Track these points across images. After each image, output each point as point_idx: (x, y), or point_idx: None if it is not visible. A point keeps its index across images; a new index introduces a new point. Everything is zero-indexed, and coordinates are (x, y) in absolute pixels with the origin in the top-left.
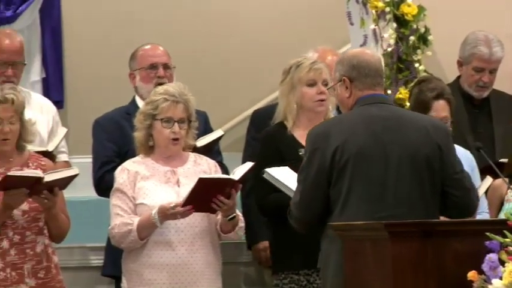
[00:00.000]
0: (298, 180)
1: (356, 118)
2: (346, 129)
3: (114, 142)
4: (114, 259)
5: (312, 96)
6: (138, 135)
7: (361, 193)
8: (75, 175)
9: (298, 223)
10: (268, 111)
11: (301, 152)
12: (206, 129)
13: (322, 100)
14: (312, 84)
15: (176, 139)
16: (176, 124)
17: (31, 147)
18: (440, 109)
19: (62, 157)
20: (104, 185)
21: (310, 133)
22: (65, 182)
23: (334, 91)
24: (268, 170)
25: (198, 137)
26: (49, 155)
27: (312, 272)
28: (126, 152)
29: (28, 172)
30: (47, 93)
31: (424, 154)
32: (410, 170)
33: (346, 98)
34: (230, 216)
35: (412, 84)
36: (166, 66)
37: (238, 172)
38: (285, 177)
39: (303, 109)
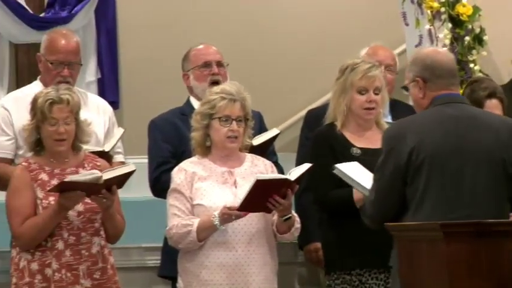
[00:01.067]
0: (374, 180)
1: (431, 118)
2: (421, 129)
3: (170, 143)
4: (170, 260)
5: (362, 103)
6: (196, 135)
7: (437, 193)
8: (132, 171)
9: (372, 221)
10: (321, 111)
11: (353, 151)
12: (261, 128)
13: (371, 108)
14: (363, 91)
15: (234, 137)
16: (234, 122)
17: (87, 148)
18: (493, 108)
19: (118, 158)
20: (160, 185)
21: (385, 133)
22: (123, 179)
23: (408, 91)
24: (338, 165)
25: (253, 137)
26: (105, 156)
27: (364, 272)
28: (181, 153)
29: (84, 177)
30: (102, 93)
31: (499, 155)
32: (486, 171)
33: (421, 99)
34: (286, 217)
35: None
36: (219, 64)
37: (294, 173)
38: (356, 173)
39: (352, 114)
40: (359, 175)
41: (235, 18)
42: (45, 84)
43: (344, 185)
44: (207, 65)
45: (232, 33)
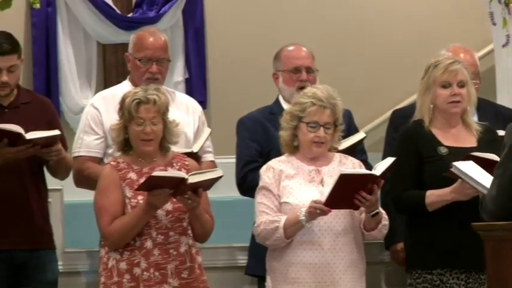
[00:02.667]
0: (496, 175)
1: None
2: None
3: (257, 142)
4: (257, 258)
5: (446, 97)
6: (284, 134)
7: None
8: (219, 177)
9: (492, 217)
10: (407, 111)
11: (440, 150)
12: (350, 126)
13: (456, 102)
14: (446, 85)
15: (320, 143)
16: (322, 128)
17: (176, 149)
18: None
19: (208, 157)
20: (246, 184)
21: (509, 127)
22: (209, 183)
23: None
24: (456, 164)
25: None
26: (194, 156)
27: (445, 272)
28: (268, 152)
29: (172, 173)
30: (189, 93)
31: None
32: None
33: None
34: (373, 212)
35: None
36: (309, 70)
37: (379, 167)
38: (473, 171)
39: (438, 109)
40: (477, 173)
41: (325, 17)
42: (135, 83)
43: (425, 186)
44: (296, 70)
45: (322, 33)
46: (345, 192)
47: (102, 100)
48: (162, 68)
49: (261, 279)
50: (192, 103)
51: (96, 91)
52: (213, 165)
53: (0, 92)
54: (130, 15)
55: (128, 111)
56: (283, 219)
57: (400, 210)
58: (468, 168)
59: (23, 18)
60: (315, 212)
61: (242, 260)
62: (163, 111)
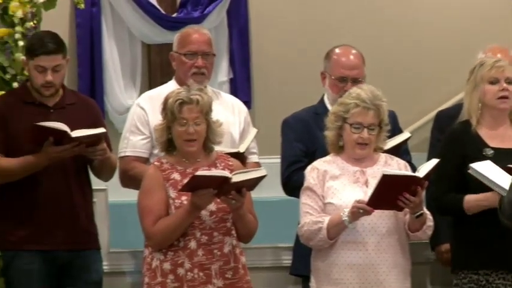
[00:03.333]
0: None
1: None
2: None
3: (302, 142)
4: (301, 258)
5: (494, 93)
6: (329, 134)
7: None
8: (263, 176)
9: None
10: (452, 111)
11: (486, 151)
12: (395, 128)
13: (504, 97)
14: (494, 81)
15: (364, 144)
16: (365, 130)
17: (222, 149)
18: None
19: (253, 158)
20: (291, 184)
21: None
22: (253, 183)
23: None
24: (473, 165)
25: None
26: (240, 157)
27: (491, 272)
28: (313, 152)
29: (215, 172)
30: (234, 93)
31: None
32: None
33: None
34: (417, 213)
35: None
36: (355, 81)
37: (423, 169)
38: (492, 172)
39: (487, 107)
40: (495, 175)
41: (369, 18)
42: (180, 82)
43: (470, 188)
44: (343, 80)
45: (367, 33)
46: (388, 193)
47: (148, 100)
48: (208, 62)
49: (306, 279)
50: (238, 104)
51: (141, 91)
52: (257, 166)
53: (45, 91)
54: (174, 15)
55: (170, 111)
56: (326, 220)
57: (440, 211)
58: (485, 169)
59: (67, 19)
60: (358, 212)
61: (287, 260)
62: (206, 111)
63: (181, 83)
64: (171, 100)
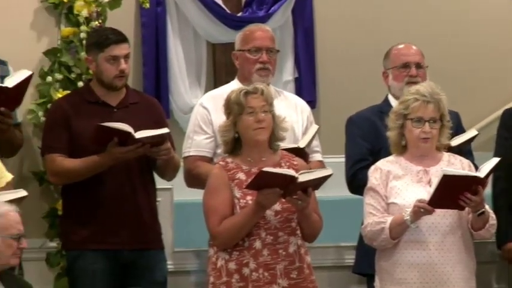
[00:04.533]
0: None
1: None
2: None
3: (367, 140)
4: (365, 257)
5: None
6: (391, 134)
7: None
8: (329, 175)
9: None
10: None
11: None
12: (458, 129)
13: None
14: None
15: (426, 138)
16: (427, 124)
17: (283, 144)
18: None
19: (316, 156)
20: (356, 183)
21: None
22: (319, 182)
23: None
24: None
25: (451, 137)
26: (301, 153)
27: None
28: (379, 151)
29: (282, 170)
30: (299, 93)
31: None
32: None
33: None
34: (479, 212)
35: None
36: (418, 66)
37: (484, 169)
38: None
39: None
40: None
41: (433, 18)
42: (243, 81)
43: None
44: (405, 65)
45: (431, 33)
46: (449, 193)
47: (211, 99)
48: (272, 58)
49: (370, 278)
50: (301, 103)
51: (206, 91)
52: (321, 165)
53: (118, 82)
54: (239, 14)
55: (237, 103)
56: (389, 220)
57: None
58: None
59: (132, 18)
60: (419, 211)
61: (350, 259)
62: (271, 102)
63: (244, 80)
64: (234, 94)
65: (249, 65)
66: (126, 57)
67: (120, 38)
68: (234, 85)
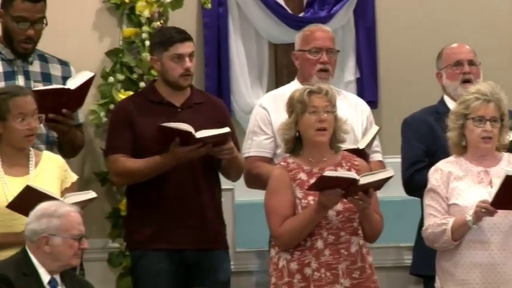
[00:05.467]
0: None
1: None
2: None
3: (423, 142)
4: (423, 258)
5: None
6: (451, 135)
7: None
8: (390, 177)
9: None
10: None
11: None
12: None
13: None
14: None
15: (488, 138)
16: (488, 123)
17: (343, 145)
18: None
19: (376, 156)
20: (413, 185)
21: None
22: (380, 183)
23: None
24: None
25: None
26: (361, 153)
27: None
28: (435, 152)
29: (343, 173)
30: (361, 93)
31: None
32: None
33: None
34: None
35: None
36: (471, 63)
37: None
38: None
39: None
40: None
41: (494, 18)
42: (303, 81)
43: None
44: (458, 63)
45: (488, 34)
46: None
47: (271, 100)
48: (332, 59)
49: (427, 279)
50: (361, 103)
51: (267, 91)
52: (381, 165)
53: (183, 81)
54: (301, 14)
55: (300, 101)
56: (450, 221)
57: None
58: None
59: (194, 19)
60: (481, 212)
61: (408, 259)
62: (334, 103)
63: (304, 81)
64: (298, 93)
65: (309, 65)
66: (191, 55)
67: (185, 37)
68: (294, 86)
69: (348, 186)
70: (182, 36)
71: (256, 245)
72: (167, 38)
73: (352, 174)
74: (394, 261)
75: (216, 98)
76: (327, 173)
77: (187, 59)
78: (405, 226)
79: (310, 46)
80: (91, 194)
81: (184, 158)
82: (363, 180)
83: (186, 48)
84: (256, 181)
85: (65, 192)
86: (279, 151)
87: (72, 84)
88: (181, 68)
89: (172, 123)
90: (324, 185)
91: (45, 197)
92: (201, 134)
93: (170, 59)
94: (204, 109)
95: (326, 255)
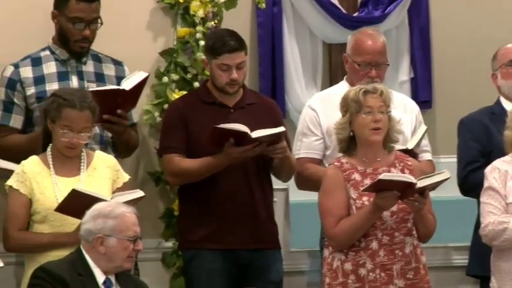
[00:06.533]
0: None
1: None
2: None
3: (478, 142)
4: (479, 258)
5: None
6: (509, 133)
7: None
8: (446, 178)
9: None
10: None
11: None
12: None
13: None
14: None
15: None
16: None
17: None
18: None
19: (425, 156)
20: (468, 185)
21: None
22: (436, 185)
23: None
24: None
25: None
26: (410, 154)
27: None
28: (490, 152)
29: (401, 176)
30: (414, 93)
31: None
32: None
33: None
34: None
35: None
36: None
37: None
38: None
39: None
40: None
41: None
42: (352, 84)
43: None
44: None
45: None
46: None
47: (320, 101)
48: (381, 72)
49: (483, 280)
50: (409, 102)
51: (322, 91)
52: (430, 164)
53: (230, 89)
54: (355, 14)
55: (355, 101)
56: (511, 220)
57: None
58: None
59: (248, 18)
60: None
61: (461, 260)
62: (388, 103)
63: (352, 84)
64: (353, 92)
65: (357, 77)
66: (240, 65)
67: (235, 47)
68: (343, 86)
69: (404, 189)
70: (233, 46)
71: (308, 245)
72: (218, 45)
73: (410, 178)
74: (445, 261)
75: (268, 98)
76: (384, 176)
77: (234, 70)
78: (458, 226)
79: (359, 60)
80: (138, 193)
81: (239, 159)
82: (420, 183)
83: (234, 59)
84: (306, 183)
85: (116, 192)
86: (328, 152)
87: (127, 84)
88: (227, 78)
89: (227, 124)
90: (380, 187)
91: (93, 199)
92: (256, 133)
93: (218, 67)
94: (257, 110)
95: (381, 256)
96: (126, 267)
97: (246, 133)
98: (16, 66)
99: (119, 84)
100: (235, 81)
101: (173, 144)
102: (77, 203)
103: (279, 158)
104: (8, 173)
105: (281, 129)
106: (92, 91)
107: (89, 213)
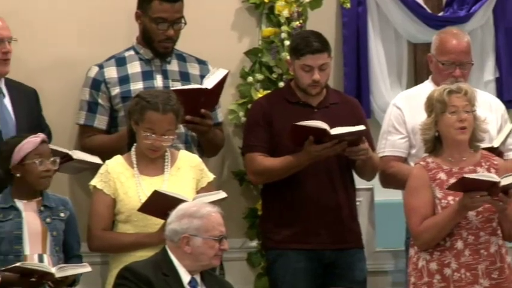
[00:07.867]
0: None
1: None
2: None
3: None
4: None
5: None
6: None
7: None
8: None
9: None
10: None
11: None
12: None
13: None
14: None
15: None
16: None
17: (483, 145)
18: None
19: (511, 155)
20: None
21: None
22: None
23: None
24: None
25: None
26: (495, 152)
27: None
28: None
29: (484, 175)
30: (499, 92)
31: None
32: None
33: None
34: None
35: None
36: None
37: None
38: None
39: None
40: None
41: None
42: (437, 83)
43: None
44: None
45: None
46: None
47: (405, 100)
48: (465, 71)
49: None
50: (495, 101)
51: None
52: None
53: (312, 90)
54: (440, 14)
55: (439, 101)
56: None
57: None
58: None
59: (333, 18)
60: None
61: None
62: (473, 103)
63: (437, 84)
64: (437, 92)
65: (442, 76)
66: (322, 67)
67: (318, 48)
68: (428, 86)
69: (489, 188)
70: (316, 47)
71: (393, 245)
72: (301, 46)
73: (494, 177)
74: None
75: (351, 98)
76: (469, 175)
77: (316, 71)
78: None
79: (444, 59)
80: (221, 194)
81: (319, 156)
82: (504, 181)
83: (316, 60)
84: (391, 180)
85: (201, 191)
86: (413, 151)
87: (209, 83)
88: (309, 79)
89: (306, 121)
90: (464, 186)
91: (175, 200)
92: (336, 130)
93: (300, 68)
94: (340, 109)
95: (466, 256)
96: (214, 264)
97: (325, 130)
98: (101, 66)
99: (202, 83)
100: (317, 83)
101: (256, 143)
102: (159, 204)
103: (361, 159)
104: (90, 165)
105: (361, 127)
106: (176, 90)
107: (174, 213)
